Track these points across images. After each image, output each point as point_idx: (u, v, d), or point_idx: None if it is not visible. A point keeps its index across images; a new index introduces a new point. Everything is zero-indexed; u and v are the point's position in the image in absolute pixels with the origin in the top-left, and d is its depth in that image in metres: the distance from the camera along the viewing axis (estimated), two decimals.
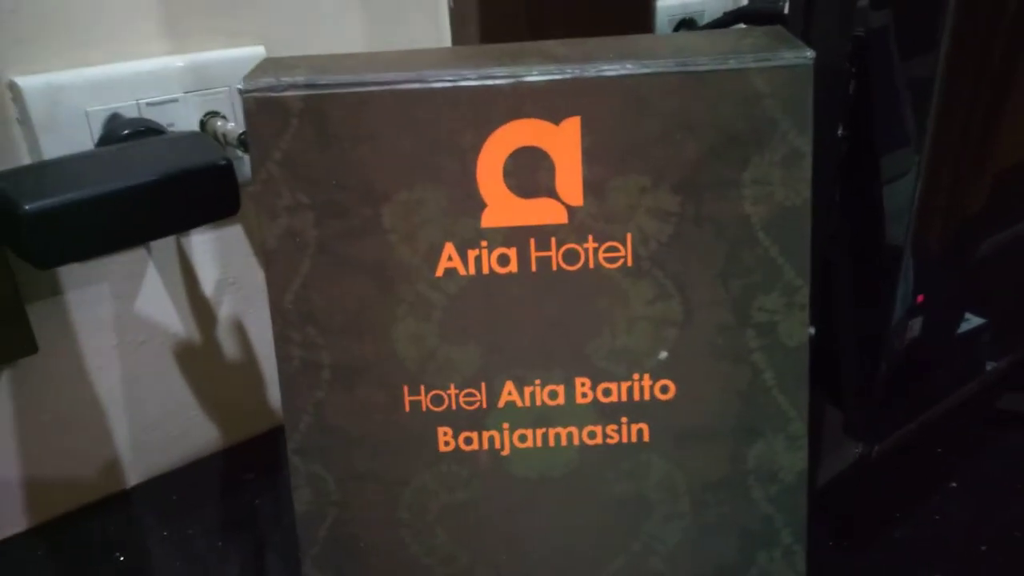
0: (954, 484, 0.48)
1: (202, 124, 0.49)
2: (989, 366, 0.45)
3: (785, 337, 0.34)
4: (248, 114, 0.32)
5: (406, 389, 0.34)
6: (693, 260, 0.33)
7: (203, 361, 0.54)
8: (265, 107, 0.32)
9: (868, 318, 0.36)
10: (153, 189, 0.39)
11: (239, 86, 0.32)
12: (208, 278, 0.53)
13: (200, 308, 0.53)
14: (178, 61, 0.48)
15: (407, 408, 0.34)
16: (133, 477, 0.53)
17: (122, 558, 0.47)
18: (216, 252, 0.53)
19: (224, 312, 0.54)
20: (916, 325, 0.36)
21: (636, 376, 0.34)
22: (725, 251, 0.33)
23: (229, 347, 0.55)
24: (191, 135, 0.45)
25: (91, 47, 0.46)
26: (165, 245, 0.51)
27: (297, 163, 0.32)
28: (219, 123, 0.48)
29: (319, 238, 0.33)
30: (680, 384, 0.34)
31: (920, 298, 0.35)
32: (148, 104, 0.47)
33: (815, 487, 0.44)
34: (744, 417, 0.34)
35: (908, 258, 0.35)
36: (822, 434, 0.42)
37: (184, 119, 0.49)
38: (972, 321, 0.42)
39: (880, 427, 0.38)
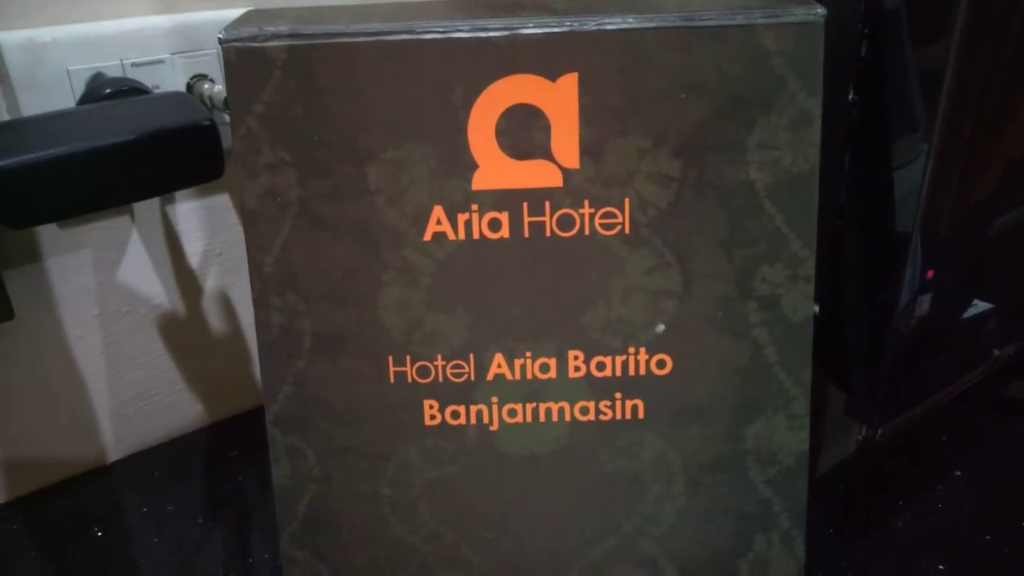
0: (958, 473, 0.47)
1: (189, 87, 0.47)
2: (996, 353, 0.44)
3: (788, 311, 0.32)
4: (228, 65, 0.30)
5: (391, 359, 0.33)
6: (694, 228, 0.31)
7: (188, 333, 0.53)
8: (246, 58, 0.30)
9: (876, 293, 0.34)
10: (132, 148, 0.37)
11: (219, 35, 0.30)
12: (194, 248, 0.51)
13: (185, 278, 0.51)
14: (165, 21, 0.46)
15: (392, 379, 0.33)
16: (114, 452, 0.52)
17: (100, 534, 0.45)
18: (202, 221, 0.51)
19: (210, 283, 0.52)
20: (925, 302, 0.34)
21: (631, 350, 0.32)
22: (728, 219, 0.31)
23: (215, 319, 0.53)
24: (175, 95, 0.43)
25: (75, 4, 0.44)
26: (149, 212, 0.49)
27: (279, 118, 0.30)
28: (206, 86, 0.47)
29: (301, 198, 0.31)
30: (677, 359, 0.33)
31: (930, 273, 0.34)
32: (133, 65, 0.46)
33: (815, 472, 0.43)
34: (743, 394, 0.33)
35: (919, 231, 0.33)
36: (823, 417, 0.40)
37: (170, 81, 0.47)
38: (980, 306, 0.40)
39: (886, 409, 0.36)
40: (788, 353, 0.32)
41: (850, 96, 0.33)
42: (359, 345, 0.32)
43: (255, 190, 0.31)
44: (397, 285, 0.32)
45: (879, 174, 0.34)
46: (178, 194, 0.50)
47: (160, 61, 0.46)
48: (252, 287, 0.32)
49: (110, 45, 0.45)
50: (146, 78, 0.46)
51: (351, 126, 0.30)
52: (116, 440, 0.52)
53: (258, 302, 0.32)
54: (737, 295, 0.32)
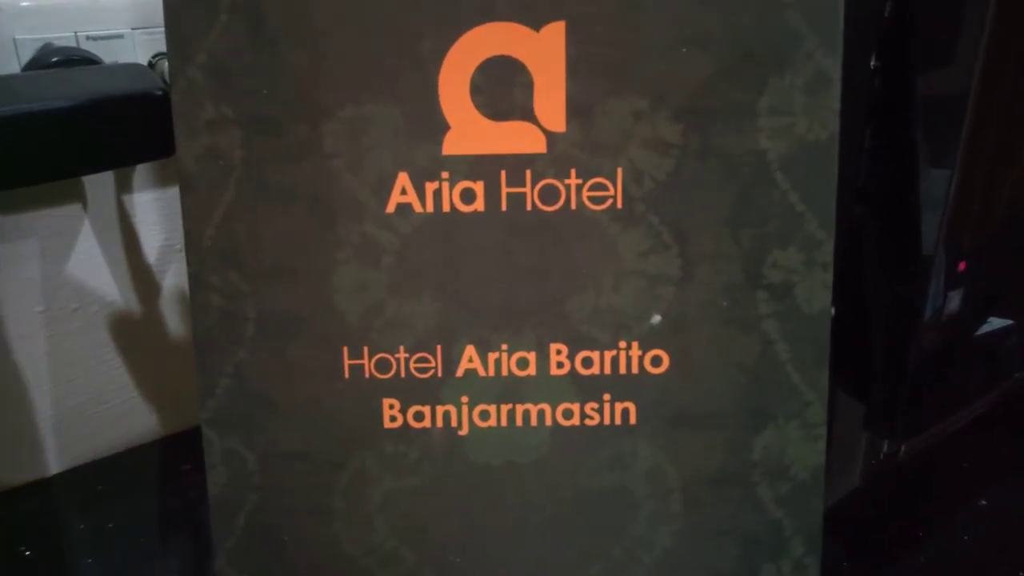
0: (984, 502, 0.42)
1: (151, 65, 0.44)
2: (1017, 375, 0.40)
3: (803, 301, 0.28)
4: (168, 8, 0.27)
5: (346, 351, 0.28)
6: (696, 204, 0.27)
7: (143, 336, 0.49)
8: (189, 0, 0.26)
9: (900, 288, 0.30)
10: (74, 114, 0.34)
11: None
12: (152, 242, 0.48)
13: (141, 275, 0.48)
14: None
15: (346, 374, 0.29)
16: (55, 464, 0.48)
17: (27, 553, 0.41)
18: (161, 213, 0.47)
19: (169, 281, 0.49)
20: (956, 298, 0.30)
21: (623, 344, 0.28)
22: (734, 194, 0.27)
23: (173, 321, 0.49)
24: (127, 65, 0.40)
25: None
26: (103, 201, 0.45)
27: (224, 68, 0.27)
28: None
29: (246, 161, 0.27)
30: (675, 355, 0.28)
31: (962, 265, 0.30)
32: (89, 38, 0.42)
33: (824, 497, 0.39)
34: (751, 398, 0.29)
35: (949, 217, 0.29)
36: (832, 433, 0.36)
37: (130, 58, 0.43)
38: (1003, 322, 0.36)
39: (910, 422, 0.32)
40: (802, 350, 0.28)
41: (872, 62, 0.29)
42: (310, 333, 0.28)
43: (194, 150, 0.27)
44: (354, 264, 0.28)
45: (904, 152, 0.30)
46: (135, 183, 0.46)
47: (119, 36, 0.43)
48: (188, 263, 0.28)
49: (64, 16, 0.42)
50: (103, 53, 0.43)
51: (305, 79, 0.27)
52: (59, 451, 0.48)
53: (194, 281, 0.28)
54: (745, 282, 0.28)
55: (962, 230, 0.30)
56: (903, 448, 0.33)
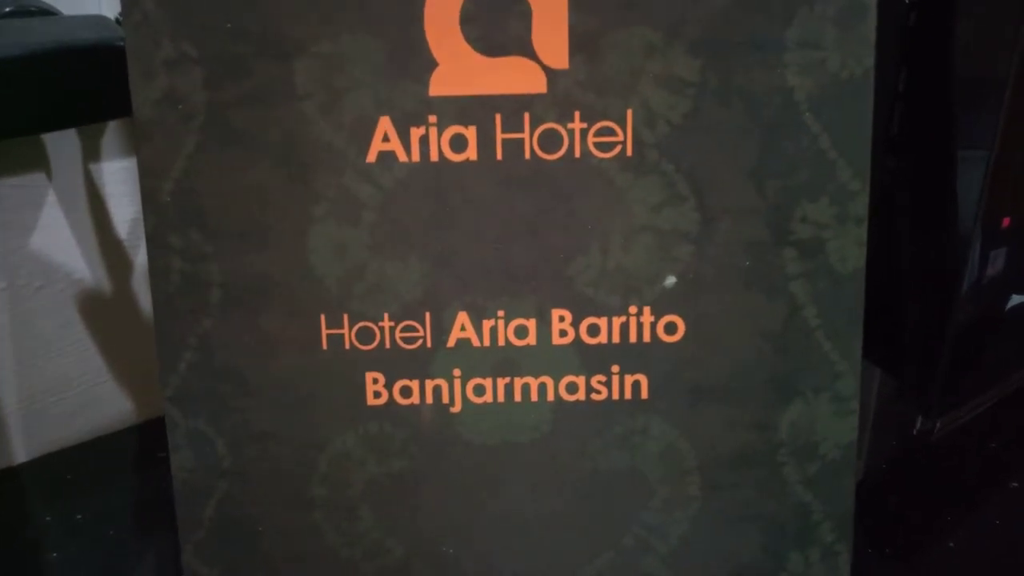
0: (1015, 484, 0.40)
1: (118, 22, 0.41)
2: None
3: (836, 260, 0.25)
4: None
5: (324, 319, 0.26)
6: (715, 150, 0.25)
7: (114, 315, 0.46)
8: None
9: (938, 249, 0.27)
10: (26, 63, 0.31)
11: None
12: (123, 214, 0.45)
13: (112, 250, 0.45)
14: None
15: (324, 345, 0.26)
16: (22, 452, 0.45)
17: None
18: (134, 183, 0.45)
19: (142, 257, 0.46)
20: (1000, 258, 0.27)
21: (633, 309, 0.25)
22: (759, 139, 0.25)
23: (146, 300, 0.47)
24: (88, 16, 0.37)
25: None
26: (70, 170, 0.43)
27: (183, 0, 0.24)
28: None
29: (209, 105, 0.24)
30: (691, 322, 0.26)
31: (1007, 221, 0.27)
32: None
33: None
34: (776, 369, 0.26)
35: (993, 168, 0.26)
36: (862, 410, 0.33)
37: (94, 12, 0.40)
38: None
39: (948, 397, 0.29)
40: (834, 316, 0.25)
41: None
42: (282, 300, 0.25)
43: (150, 94, 0.24)
44: (332, 221, 0.25)
45: (943, 95, 0.27)
46: (105, 150, 0.43)
47: None
48: (145, 222, 0.25)
49: None
50: (64, 6, 0.39)
51: (274, 11, 0.24)
52: (26, 439, 0.45)
53: (152, 241, 0.25)
54: (770, 238, 0.25)
55: (1007, 184, 0.27)
56: (938, 425, 0.30)
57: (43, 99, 0.32)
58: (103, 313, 0.46)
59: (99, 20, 0.36)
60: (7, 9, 0.36)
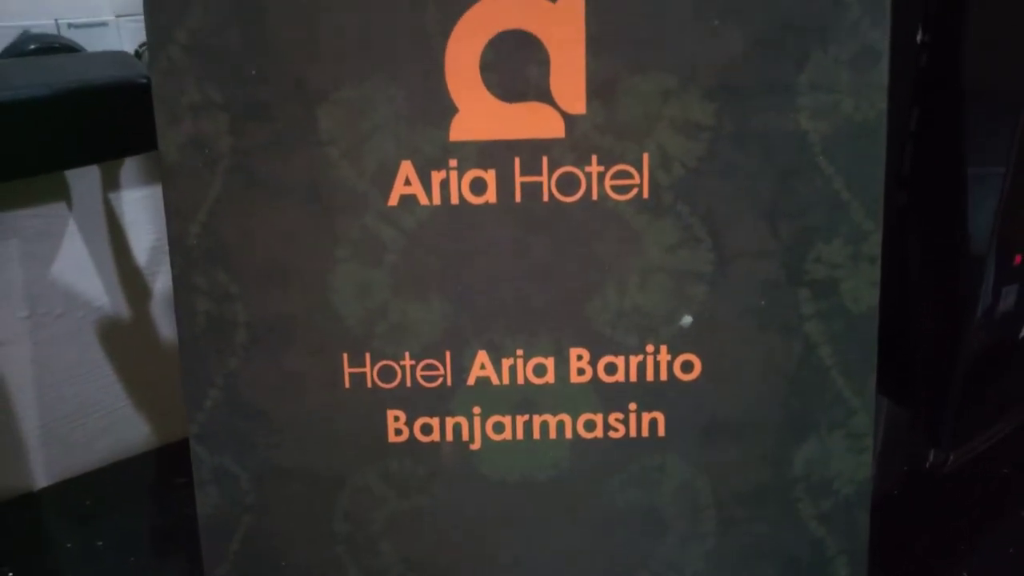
0: None
1: (138, 55, 0.41)
2: None
3: (849, 300, 0.25)
4: None
5: (346, 358, 0.26)
6: (730, 193, 0.25)
7: (133, 342, 0.47)
8: None
9: (949, 281, 0.28)
10: (51, 103, 0.31)
11: None
12: (142, 242, 0.46)
13: (131, 278, 0.45)
14: None
15: (347, 383, 0.26)
16: (43, 478, 0.45)
17: (11, 574, 0.38)
18: (152, 211, 0.45)
19: (160, 284, 0.46)
20: (1012, 294, 0.28)
21: (650, 348, 0.26)
22: (773, 181, 0.25)
23: (164, 327, 0.47)
24: (111, 53, 0.37)
25: None
26: (89, 199, 0.43)
27: (208, 46, 0.24)
28: None
29: (235, 149, 0.25)
30: (707, 360, 0.26)
31: (1019, 259, 0.27)
32: (71, 26, 0.40)
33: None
34: (791, 407, 0.26)
35: (1005, 207, 0.27)
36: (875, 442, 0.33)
37: (115, 47, 0.41)
38: None
39: (962, 429, 0.29)
40: (848, 354, 0.26)
41: (919, 37, 0.27)
42: (306, 339, 0.26)
43: (177, 139, 0.25)
44: (355, 262, 0.25)
45: (954, 134, 0.27)
46: (123, 179, 0.44)
47: (103, 24, 0.41)
48: (172, 263, 0.26)
49: (43, 2, 0.39)
50: (86, 41, 0.40)
51: (298, 58, 0.24)
52: (46, 464, 0.46)
53: (179, 283, 0.26)
54: (785, 279, 0.25)
55: (1019, 220, 0.27)
56: (951, 458, 0.30)
57: (68, 137, 0.33)
58: (122, 340, 0.46)
59: (121, 57, 0.37)
60: (32, 46, 0.37)
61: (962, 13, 0.27)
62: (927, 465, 0.31)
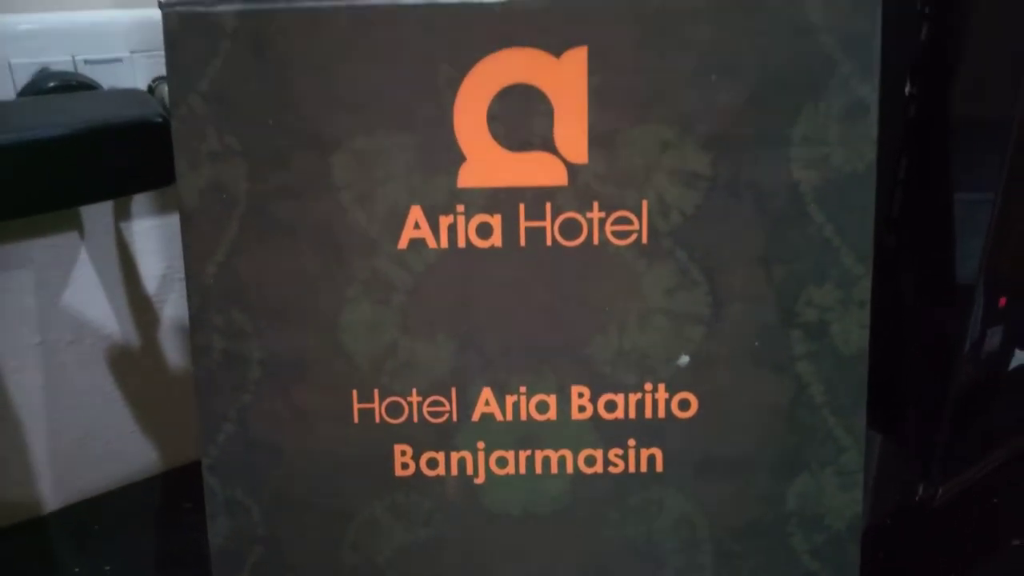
0: (1017, 542, 0.40)
1: (151, 90, 0.42)
2: None
3: (839, 341, 0.26)
4: (169, 34, 0.25)
5: (355, 394, 0.27)
6: (726, 238, 0.26)
7: (142, 368, 0.47)
8: (191, 25, 0.25)
9: (937, 321, 0.29)
10: (69, 142, 0.32)
11: None
12: (151, 271, 0.46)
13: (140, 305, 0.46)
14: (125, 16, 0.42)
15: (356, 419, 0.27)
16: (52, 502, 0.46)
17: None
18: (161, 240, 0.46)
19: (168, 311, 0.47)
20: (997, 335, 0.29)
21: (648, 386, 0.27)
22: (767, 228, 0.26)
23: (172, 353, 0.48)
24: (127, 91, 0.39)
25: None
26: (101, 228, 0.44)
27: (227, 97, 0.25)
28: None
29: (251, 194, 0.26)
30: (704, 399, 0.27)
31: (1003, 301, 0.28)
32: (87, 62, 0.41)
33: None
34: (785, 444, 0.27)
35: (990, 251, 0.28)
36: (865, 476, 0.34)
37: (129, 82, 0.42)
38: None
39: (950, 463, 0.30)
40: (838, 393, 0.27)
41: (907, 89, 0.28)
42: (317, 376, 0.27)
43: (196, 183, 0.26)
44: (365, 302, 0.26)
45: (941, 182, 0.28)
46: (134, 209, 0.45)
47: (118, 60, 0.42)
48: (189, 302, 0.27)
49: (61, 39, 0.40)
50: (101, 77, 0.41)
51: (313, 108, 0.25)
52: (54, 488, 0.46)
53: (195, 321, 0.27)
54: (778, 321, 0.26)
55: (1003, 264, 0.28)
56: (940, 492, 0.31)
57: (85, 176, 0.34)
58: (131, 366, 0.47)
59: (136, 95, 0.38)
60: (51, 84, 0.38)
61: (948, 66, 0.28)
62: (916, 498, 0.31)
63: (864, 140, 0.25)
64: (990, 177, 0.28)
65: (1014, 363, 0.33)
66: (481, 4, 0.25)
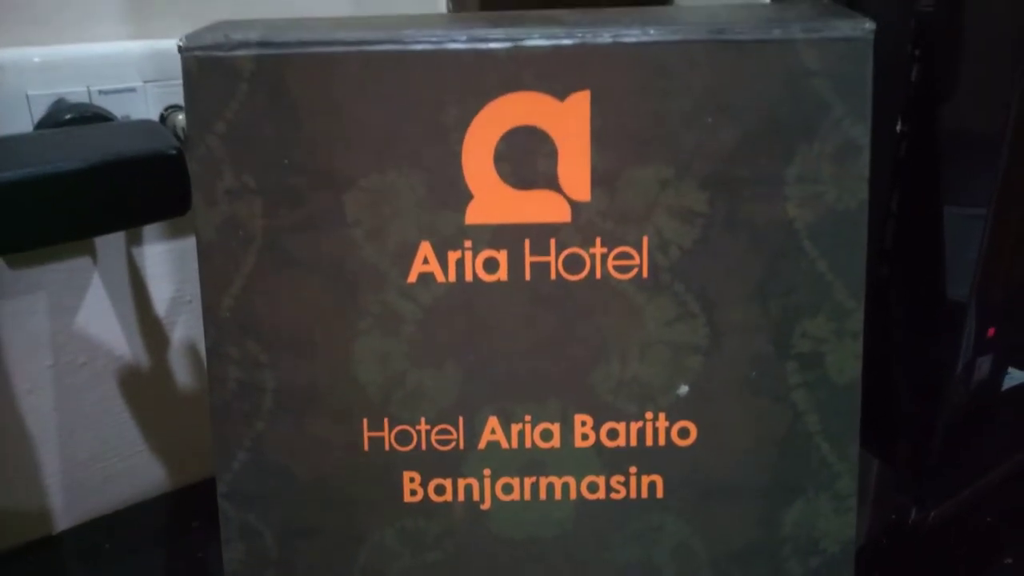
0: (1009, 560, 0.41)
1: (163, 119, 0.43)
2: None
3: (833, 372, 0.27)
4: (188, 76, 0.26)
5: (366, 423, 0.28)
6: (723, 273, 0.27)
7: (152, 390, 0.48)
8: (209, 68, 0.26)
9: (929, 349, 0.30)
10: (87, 175, 0.33)
11: (179, 42, 0.26)
12: (161, 295, 0.47)
13: (151, 328, 0.47)
14: (137, 47, 0.43)
15: (366, 447, 0.28)
16: (63, 521, 0.47)
17: None
18: (172, 265, 0.47)
19: (178, 334, 0.48)
20: (986, 364, 0.30)
21: (649, 415, 0.28)
22: (762, 263, 0.27)
23: (182, 375, 0.49)
24: (141, 122, 0.39)
25: (38, 24, 0.41)
26: (113, 254, 0.45)
27: (244, 137, 0.26)
28: (181, 117, 0.43)
29: (267, 230, 0.27)
30: (703, 427, 0.28)
31: (991, 331, 0.29)
32: (101, 92, 0.42)
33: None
34: (781, 471, 0.28)
35: (979, 283, 0.29)
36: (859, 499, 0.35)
37: (142, 112, 0.43)
38: None
39: (943, 485, 0.31)
40: (832, 421, 0.28)
41: (898, 127, 0.29)
42: (329, 405, 0.28)
43: (213, 220, 0.27)
44: (376, 334, 0.27)
45: (932, 216, 0.29)
46: (145, 235, 0.46)
47: (131, 89, 0.43)
48: (206, 334, 0.28)
49: (76, 70, 0.41)
50: (115, 107, 0.42)
51: (327, 148, 0.26)
52: (66, 507, 0.47)
53: (212, 352, 0.28)
54: (774, 352, 0.27)
55: (992, 295, 0.29)
56: (932, 515, 0.32)
57: (100, 207, 0.35)
58: (141, 388, 0.47)
59: (150, 127, 0.39)
60: (67, 116, 0.39)
61: (937, 106, 0.29)
62: (910, 521, 0.32)
63: (857, 179, 0.26)
64: (980, 210, 0.29)
65: (1007, 384, 0.34)
66: (488, 50, 0.26)
